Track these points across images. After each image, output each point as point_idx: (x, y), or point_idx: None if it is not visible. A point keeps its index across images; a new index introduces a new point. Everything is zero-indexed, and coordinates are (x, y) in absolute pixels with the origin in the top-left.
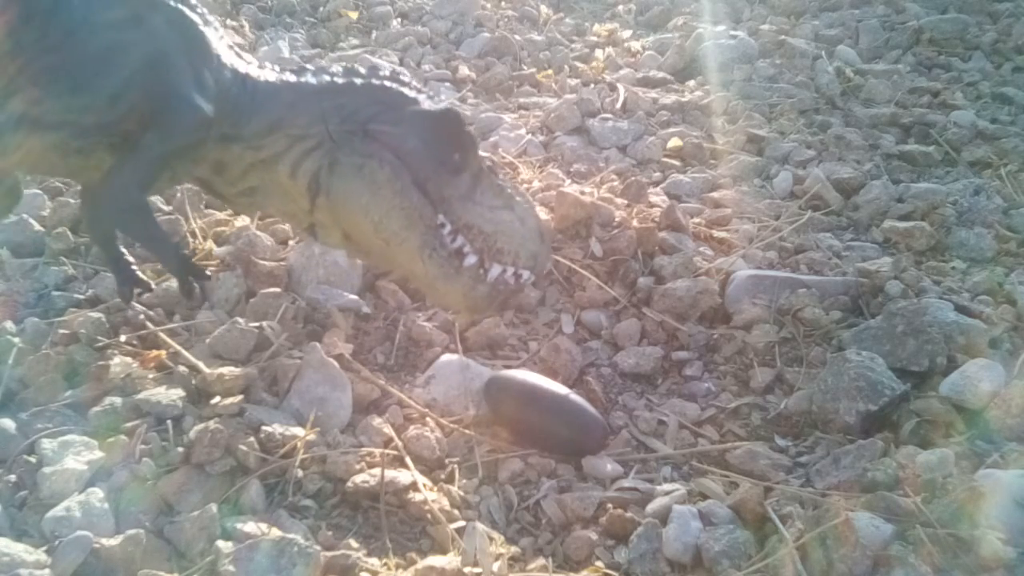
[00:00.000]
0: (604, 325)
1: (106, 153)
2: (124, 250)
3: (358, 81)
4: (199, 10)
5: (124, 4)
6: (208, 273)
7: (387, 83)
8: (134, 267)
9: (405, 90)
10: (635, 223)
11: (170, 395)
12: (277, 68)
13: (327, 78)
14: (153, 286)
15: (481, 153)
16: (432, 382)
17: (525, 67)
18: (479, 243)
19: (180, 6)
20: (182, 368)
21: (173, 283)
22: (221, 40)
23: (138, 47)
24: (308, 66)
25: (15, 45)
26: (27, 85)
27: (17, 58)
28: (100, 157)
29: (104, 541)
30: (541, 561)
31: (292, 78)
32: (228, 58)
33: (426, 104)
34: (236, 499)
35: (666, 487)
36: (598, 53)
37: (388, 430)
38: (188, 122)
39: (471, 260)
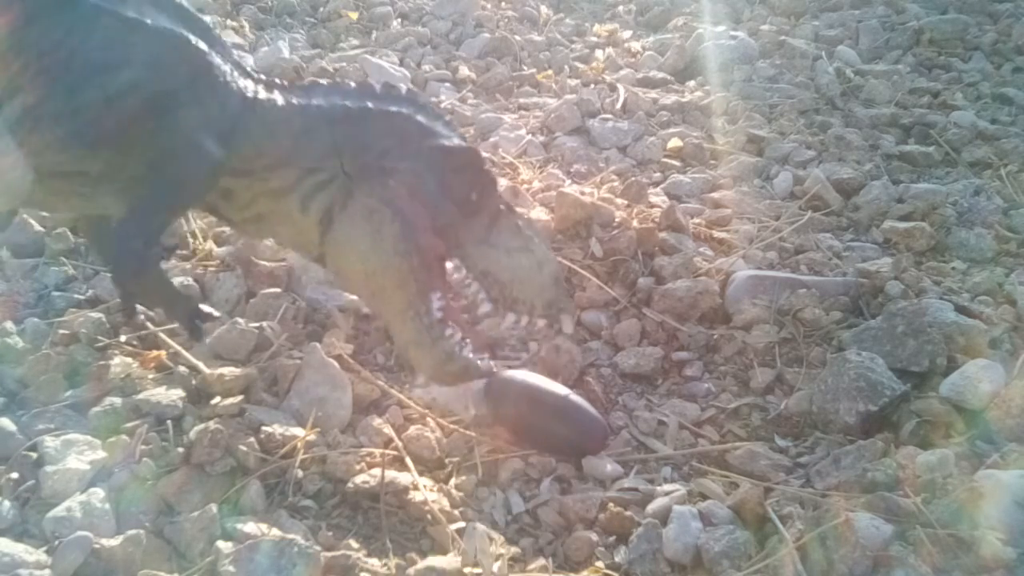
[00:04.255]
0: (604, 325)
1: (110, 197)
2: None
3: (371, 107)
4: (202, 30)
5: (123, 35)
6: (217, 314)
7: (403, 110)
8: None
9: (421, 118)
10: (635, 223)
11: (170, 395)
12: (286, 85)
13: (339, 101)
14: None
15: (499, 191)
16: (432, 382)
17: (525, 67)
18: (495, 292)
19: (184, 32)
20: (182, 368)
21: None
22: (228, 63)
23: (142, 87)
24: (320, 83)
25: (20, 106)
26: (30, 137)
27: (26, 117)
28: (104, 201)
29: (104, 541)
30: (541, 561)
31: (302, 101)
32: (235, 83)
33: (444, 139)
34: (236, 499)
35: (666, 487)
36: (598, 53)
37: (388, 430)
38: (199, 171)
39: (455, 338)
